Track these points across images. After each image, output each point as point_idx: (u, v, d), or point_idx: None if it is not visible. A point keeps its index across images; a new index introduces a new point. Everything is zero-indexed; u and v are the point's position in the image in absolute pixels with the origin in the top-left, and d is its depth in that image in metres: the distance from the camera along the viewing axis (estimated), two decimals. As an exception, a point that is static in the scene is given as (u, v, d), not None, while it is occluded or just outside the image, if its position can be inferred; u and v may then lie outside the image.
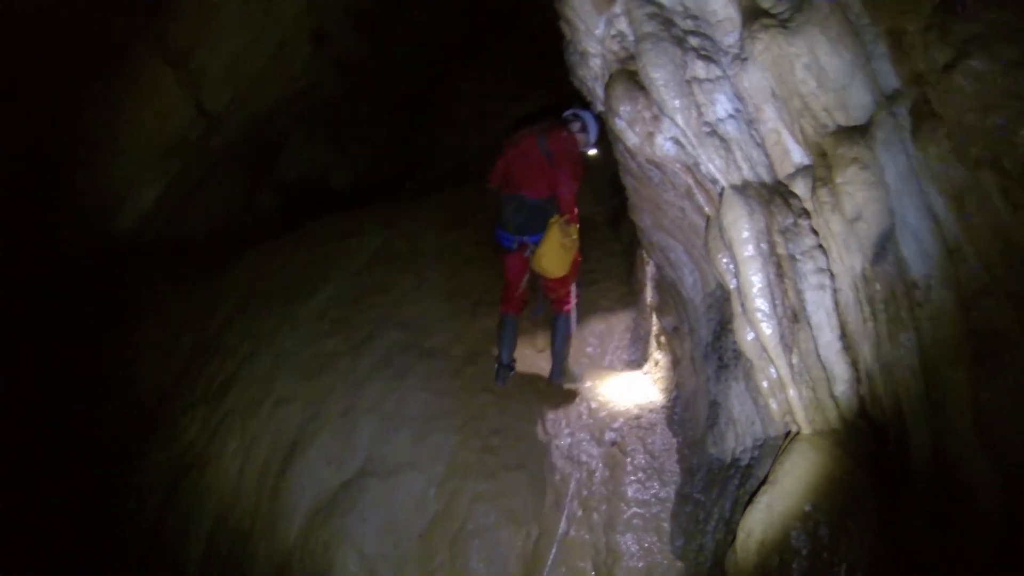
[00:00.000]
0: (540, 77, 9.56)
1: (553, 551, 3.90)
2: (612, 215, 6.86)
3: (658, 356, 4.92)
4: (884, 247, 2.64)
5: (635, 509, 3.97)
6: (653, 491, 4.03)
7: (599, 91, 3.81)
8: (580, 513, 4.02)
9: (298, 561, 4.26)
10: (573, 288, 5.07)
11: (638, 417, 4.56)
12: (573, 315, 5.07)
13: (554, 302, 5.08)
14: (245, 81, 7.76)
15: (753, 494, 2.91)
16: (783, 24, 2.85)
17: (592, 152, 5.03)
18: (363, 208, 7.29)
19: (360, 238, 6.41)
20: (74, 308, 6.97)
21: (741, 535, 2.72)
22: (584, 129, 4.95)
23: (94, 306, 7.02)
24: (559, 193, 4.76)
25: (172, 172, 7.80)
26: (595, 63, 3.74)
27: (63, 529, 5.22)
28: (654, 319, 4.94)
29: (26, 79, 6.30)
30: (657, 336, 4.92)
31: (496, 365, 4.98)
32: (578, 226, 4.95)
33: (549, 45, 9.35)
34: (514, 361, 5.01)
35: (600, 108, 3.91)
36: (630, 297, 5.82)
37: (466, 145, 9.47)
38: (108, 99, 6.90)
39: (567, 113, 5.04)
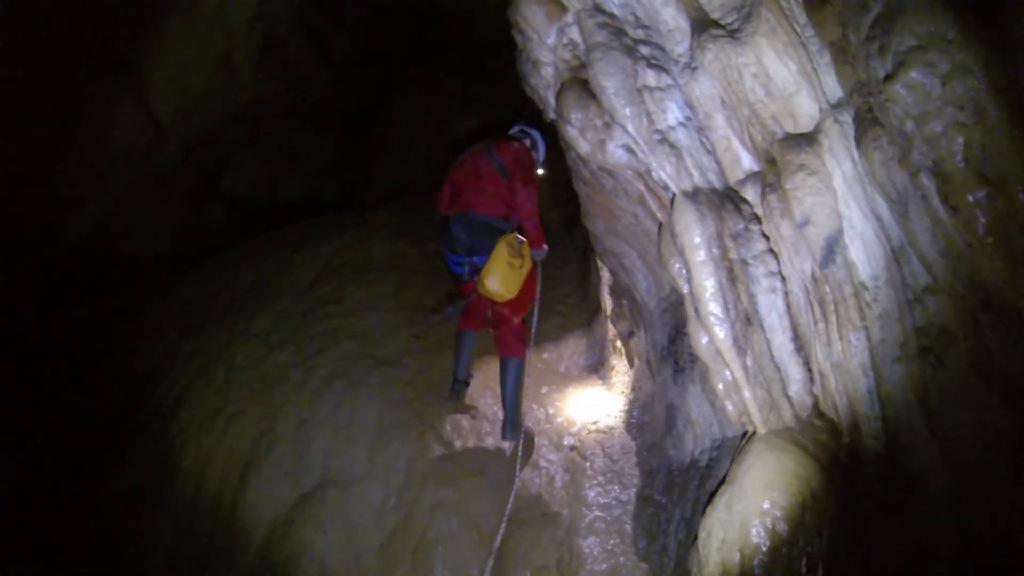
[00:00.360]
0: (484, 91, 9.64)
1: (516, 557, 3.91)
2: (567, 221, 6.89)
3: (614, 361, 4.97)
4: (832, 250, 2.73)
5: (597, 512, 4.01)
6: (614, 494, 4.07)
7: (551, 99, 3.86)
8: (542, 518, 4.04)
9: (260, 577, 4.20)
10: (526, 328, 4.74)
11: (596, 421, 4.61)
12: (524, 361, 4.62)
13: (501, 340, 4.64)
14: (192, 92, 7.61)
15: (712, 494, 2.97)
16: (732, 35, 2.92)
17: (539, 172, 4.86)
18: (312, 220, 7.21)
19: (310, 250, 6.34)
20: (19, 331, 6.75)
21: (702, 534, 2.77)
22: (534, 147, 4.83)
23: (40, 328, 6.81)
24: (518, 203, 4.50)
25: (120, 184, 7.59)
26: (547, 72, 3.79)
27: (18, 560, 5.02)
28: (610, 324, 4.98)
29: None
30: (613, 341, 4.97)
31: (451, 380, 4.79)
32: (545, 248, 4.70)
33: (493, 59, 9.49)
34: (470, 376, 4.83)
35: (552, 116, 3.95)
36: (586, 302, 5.87)
37: (411, 157, 9.47)
38: (55, 110, 6.69)
39: (514, 130, 4.94)
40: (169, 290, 6.57)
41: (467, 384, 4.81)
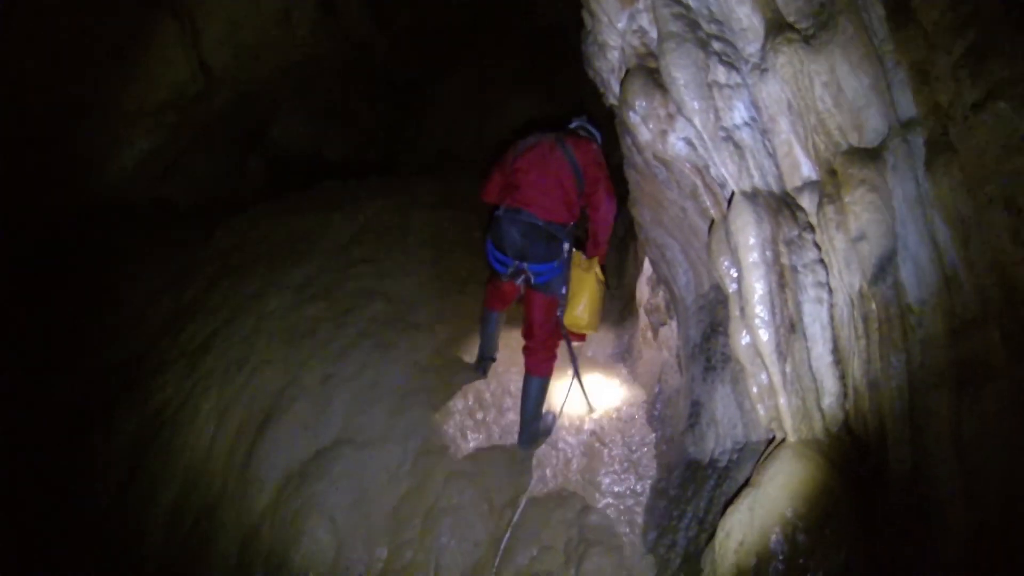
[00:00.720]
0: (541, 74, 9.56)
1: (525, 534, 3.95)
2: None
3: (643, 351, 4.97)
4: (884, 269, 2.71)
5: (609, 500, 4.03)
6: (628, 484, 4.09)
7: (614, 84, 3.84)
8: (555, 498, 4.06)
9: (267, 529, 4.20)
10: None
11: (618, 409, 4.62)
12: (549, 380, 4.38)
13: (532, 354, 4.30)
14: (247, 43, 7.66)
15: (732, 496, 2.99)
16: (806, 40, 2.90)
17: None
18: (355, 181, 7.23)
19: (350, 209, 6.35)
20: (55, 263, 6.82)
21: (720, 534, 2.79)
22: None
23: (75, 262, 6.87)
24: (600, 215, 4.13)
25: (165, 127, 7.64)
26: (613, 56, 3.76)
27: (27, 489, 5.10)
28: (642, 314, 4.98)
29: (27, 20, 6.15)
30: (643, 331, 4.96)
31: (478, 356, 4.80)
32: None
33: (552, 43, 9.42)
34: (496, 352, 4.82)
35: (612, 101, 3.93)
36: (620, 290, 5.86)
37: (458, 131, 9.45)
38: (108, 45, 6.73)
39: (574, 125, 4.50)
40: (206, 235, 6.59)
41: (494, 360, 4.81)
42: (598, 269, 4.32)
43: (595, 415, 4.66)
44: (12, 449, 5.26)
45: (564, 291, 4.19)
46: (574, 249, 4.24)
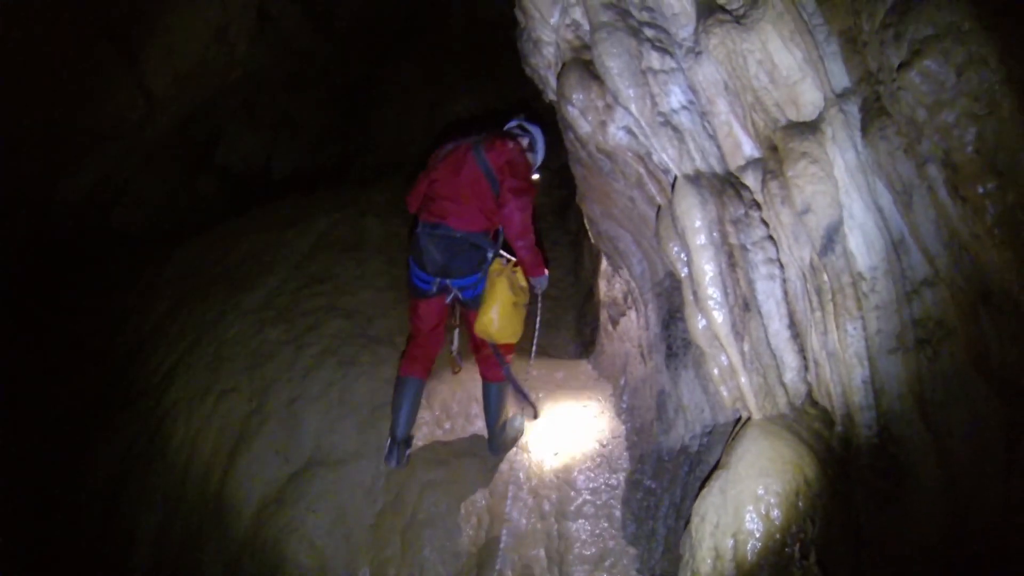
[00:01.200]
0: (486, 69, 9.55)
1: (504, 539, 3.91)
2: (559, 204, 6.86)
3: (605, 345, 4.96)
4: (832, 239, 2.72)
5: (586, 496, 4.00)
6: (603, 479, 4.06)
7: (551, 80, 3.82)
8: (531, 501, 4.03)
9: (249, 556, 4.15)
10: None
11: (585, 405, 4.61)
12: (507, 383, 4.28)
13: (484, 363, 4.22)
14: (186, 64, 7.55)
15: (704, 480, 2.97)
16: (737, 20, 2.90)
17: (535, 177, 4.17)
18: (305, 195, 7.16)
19: (303, 226, 6.30)
20: (5, 302, 6.66)
21: (695, 519, 2.77)
22: (531, 147, 4.18)
23: (29, 299, 6.72)
24: (504, 216, 3.85)
25: (111, 157, 7.52)
26: (548, 51, 3.75)
27: (4, 537, 4.97)
28: (602, 308, 4.97)
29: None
30: (604, 325, 4.96)
31: (388, 441, 4.14)
32: (546, 275, 4.18)
33: (495, 37, 9.41)
34: (411, 437, 4.24)
35: (551, 97, 3.91)
36: (577, 286, 5.86)
37: (408, 132, 9.40)
38: (50, 79, 6.59)
39: (511, 124, 4.29)
40: (160, 263, 6.52)
41: (408, 445, 4.19)
42: (512, 272, 4.05)
43: (538, 421, 4.56)
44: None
45: None
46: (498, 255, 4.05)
